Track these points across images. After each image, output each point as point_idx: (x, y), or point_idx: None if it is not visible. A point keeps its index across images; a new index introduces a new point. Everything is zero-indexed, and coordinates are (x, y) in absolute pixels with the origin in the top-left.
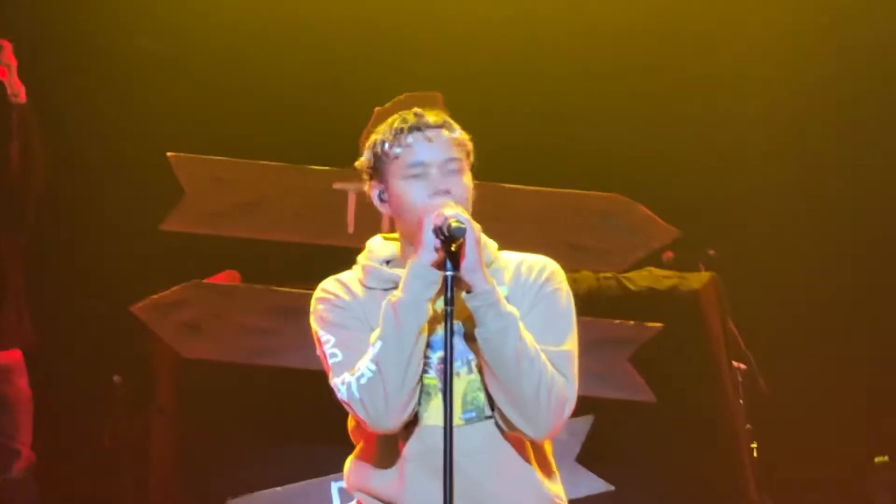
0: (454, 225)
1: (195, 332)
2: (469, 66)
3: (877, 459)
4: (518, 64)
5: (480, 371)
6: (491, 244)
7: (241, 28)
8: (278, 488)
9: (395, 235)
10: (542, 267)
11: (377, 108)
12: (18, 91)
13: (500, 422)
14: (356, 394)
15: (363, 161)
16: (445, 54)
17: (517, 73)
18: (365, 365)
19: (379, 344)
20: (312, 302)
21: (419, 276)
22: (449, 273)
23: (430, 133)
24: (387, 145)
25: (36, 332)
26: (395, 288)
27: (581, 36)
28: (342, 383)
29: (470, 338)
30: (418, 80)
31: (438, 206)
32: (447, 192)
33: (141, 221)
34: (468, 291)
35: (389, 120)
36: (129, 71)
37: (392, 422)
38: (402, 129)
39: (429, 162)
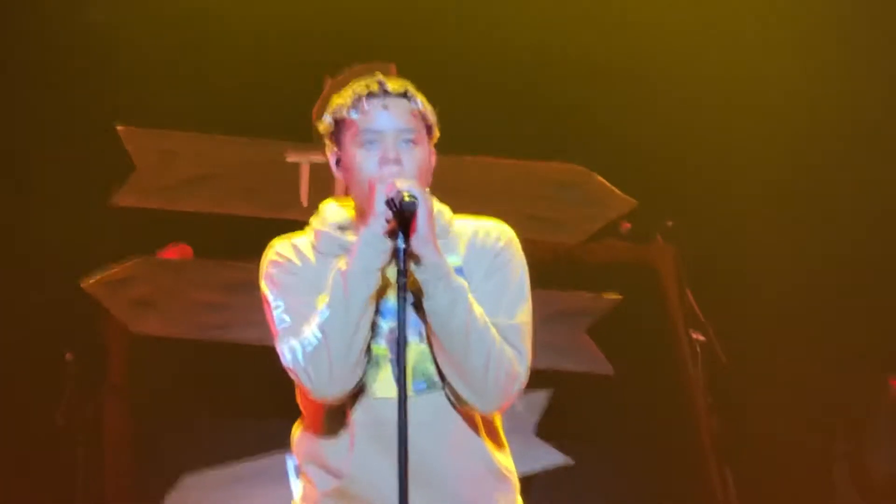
0: (406, 198)
1: (147, 308)
2: (423, 36)
3: None
4: (474, 33)
5: (431, 341)
6: (445, 210)
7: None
8: (234, 464)
9: (350, 202)
10: (497, 235)
11: (330, 80)
12: None
13: (450, 395)
14: (301, 361)
15: (323, 124)
16: (399, 23)
17: (473, 43)
18: (311, 332)
19: (326, 311)
20: (263, 262)
21: (370, 245)
22: (401, 245)
23: (389, 101)
24: (345, 110)
25: None
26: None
27: (538, 3)
28: (288, 350)
29: (421, 308)
30: (372, 50)
31: (391, 177)
32: (397, 162)
33: (92, 196)
34: (417, 263)
35: (352, 85)
36: (78, 43)
37: (335, 391)
38: (361, 95)
39: (383, 130)
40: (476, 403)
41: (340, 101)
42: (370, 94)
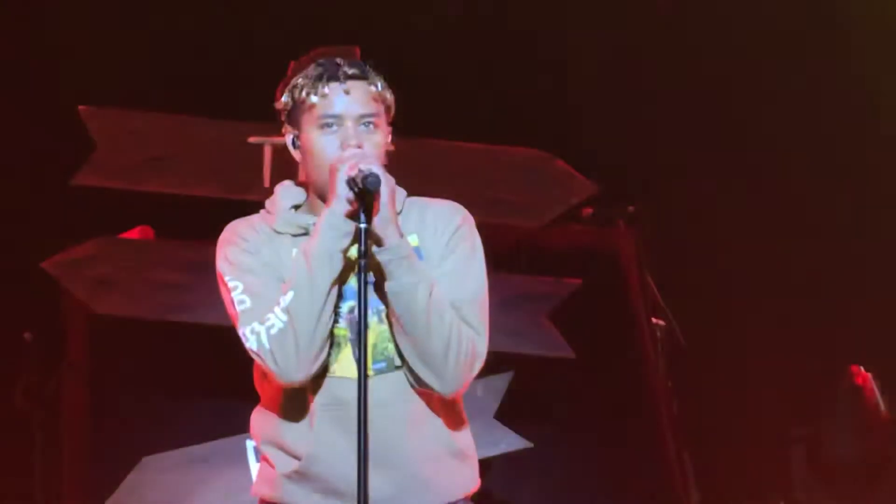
0: (370, 178)
1: (107, 287)
2: (386, 18)
3: None
4: (437, 15)
5: (391, 321)
6: (400, 192)
7: None
8: (194, 446)
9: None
10: (451, 215)
11: (293, 62)
12: None
13: (409, 376)
14: (266, 344)
15: (281, 103)
16: (363, 4)
17: (434, 25)
18: (276, 315)
19: (291, 294)
20: (219, 244)
21: (333, 227)
22: (363, 225)
23: (349, 85)
24: (304, 92)
25: None
26: (305, 234)
27: None
28: (251, 332)
29: (380, 288)
30: (335, 31)
31: (353, 158)
32: (359, 148)
33: (52, 175)
34: (379, 245)
35: (313, 66)
36: (38, 22)
37: (301, 374)
38: (320, 77)
39: (343, 114)
40: (436, 385)
41: (299, 81)
42: (330, 77)
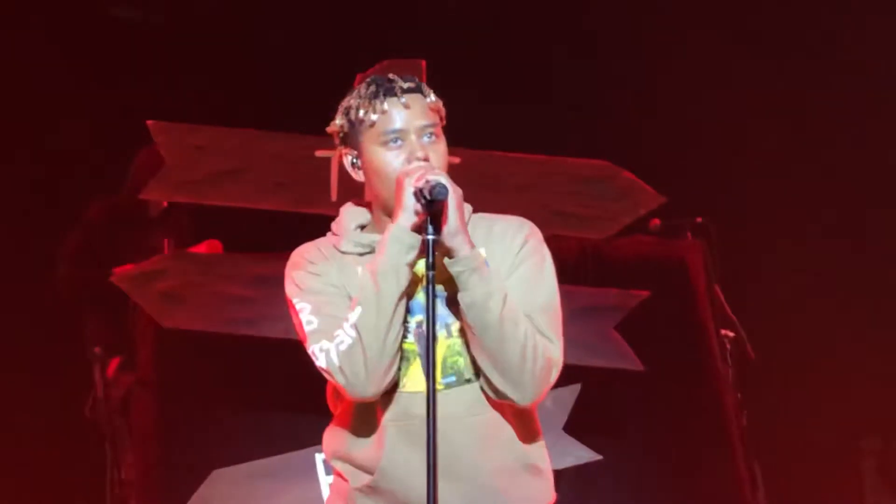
0: (437, 187)
1: (176, 301)
2: (452, 32)
3: None
4: (503, 28)
5: (461, 335)
6: (467, 207)
7: None
8: (263, 459)
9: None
10: (518, 228)
11: (359, 74)
12: None
13: (486, 388)
14: (335, 361)
15: (336, 126)
16: (428, 18)
17: (500, 39)
18: (344, 331)
19: (359, 310)
20: (287, 269)
21: (399, 240)
22: (430, 237)
23: (407, 98)
24: (361, 112)
25: None
26: (371, 252)
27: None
28: (320, 350)
29: (449, 301)
30: (402, 45)
31: (418, 170)
32: (426, 160)
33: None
34: (450, 256)
35: (362, 86)
36: (104, 40)
37: (372, 389)
38: (376, 94)
39: (406, 129)
40: (514, 395)
41: (353, 102)
42: (387, 93)
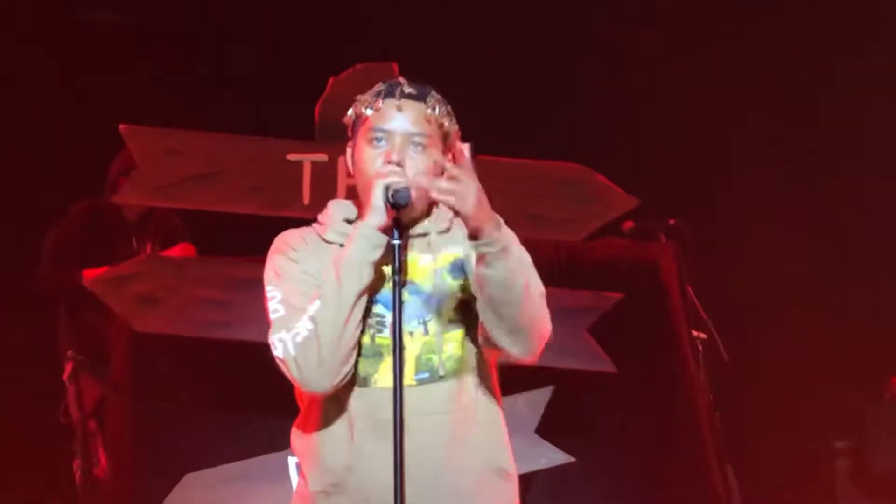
0: (400, 192)
1: (150, 305)
2: (424, 34)
3: None
4: (475, 31)
5: (437, 333)
6: (449, 213)
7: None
8: (236, 463)
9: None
10: None
11: (332, 78)
12: None
13: (487, 342)
14: (291, 352)
15: (348, 117)
16: (401, 21)
17: (474, 43)
18: (302, 324)
19: (318, 303)
20: (269, 252)
21: (365, 238)
22: (396, 241)
23: (403, 103)
24: (362, 106)
25: None
26: None
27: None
28: (279, 340)
29: (426, 298)
30: (374, 48)
31: (389, 174)
32: (399, 165)
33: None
34: (475, 237)
35: (379, 84)
36: (76, 43)
37: (324, 382)
38: (379, 93)
39: (392, 130)
40: (517, 351)
41: (362, 97)
42: (387, 94)
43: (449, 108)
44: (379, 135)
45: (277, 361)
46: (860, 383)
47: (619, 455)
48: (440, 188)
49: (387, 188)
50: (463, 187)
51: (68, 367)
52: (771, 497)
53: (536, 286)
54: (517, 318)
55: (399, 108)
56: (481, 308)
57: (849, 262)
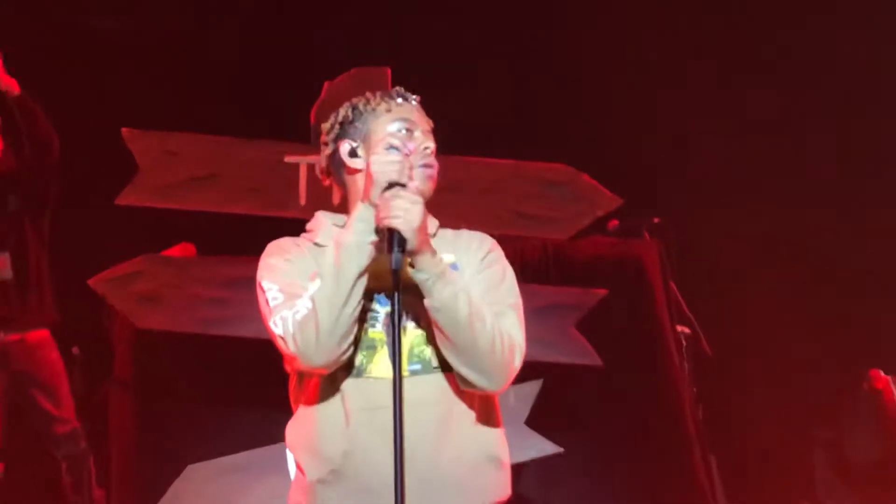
0: (398, 236)
1: (152, 303)
2: (416, 38)
3: None
4: (464, 34)
5: (429, 325)
6: (432, 222)
7: (192, 3)
8: (236, 454)
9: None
10: (482, 239)
11: (327, 82)
12: (11, 84)
13: (458, 381)
14: (290, 328)
15: (336, 117)
16: (393, 25)
17: (464, 45)
18: (302, 301)
19: (317, 282)
20: (261, 259)
21: (364, 219)
22: (395, 266)
23: (415, 104)
24: (373, 102)
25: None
26: None
27: (527, 3)
28: (280, 318)
29: (419, 294)
30: (368, 52)
31: (404, 170)
32: (430, 167)
33: (96, 196)
34: (412, 266)
35: (367, 93)
36: (81, 48)
37: (322, 359)
38: (391, 95)
39: (417, 122)
40: (486, 384)
41: (363, 98)
42: (399, 95)
43: None
44: (407, 125)
45: (277, 339)
46: (839, 376)
47: (605, 446)
48: (397, 206)
49: (391, 231)
50: (414, 207)
51: (74, 364)
52: (752, 486)
53: (484, 312)
54: (473, 345)
55: (418, 110)
56: (442, 347)
57: (827, 257)
